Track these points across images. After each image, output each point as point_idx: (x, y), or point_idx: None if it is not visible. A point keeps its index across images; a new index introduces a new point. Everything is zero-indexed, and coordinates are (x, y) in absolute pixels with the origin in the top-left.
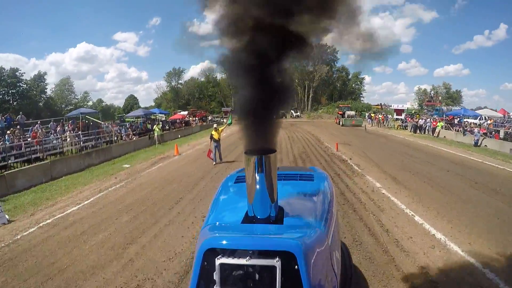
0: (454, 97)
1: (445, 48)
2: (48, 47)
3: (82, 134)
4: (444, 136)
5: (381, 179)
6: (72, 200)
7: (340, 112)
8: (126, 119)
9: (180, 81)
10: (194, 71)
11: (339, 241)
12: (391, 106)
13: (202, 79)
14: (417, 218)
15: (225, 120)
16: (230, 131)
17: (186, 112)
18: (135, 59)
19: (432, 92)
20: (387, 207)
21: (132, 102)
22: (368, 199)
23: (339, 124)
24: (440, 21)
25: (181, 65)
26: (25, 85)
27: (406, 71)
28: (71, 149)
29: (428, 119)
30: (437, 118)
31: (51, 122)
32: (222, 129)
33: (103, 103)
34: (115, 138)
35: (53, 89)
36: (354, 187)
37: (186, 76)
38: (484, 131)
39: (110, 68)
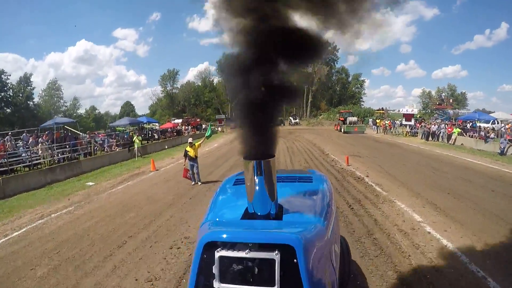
0: (459, 100)
1: (445, 49)
2: (47, 46)
3: (56, 146)
4: (462, 144)
5: (417, 206)
6: (4, 228)
7: (341, 118)
8: (117, 128)
9: (175, 85)
10: (192, 73)
11: (339, 237)
12: (393, 110)
13: (199, 83)
14: (493, 284)
15: (219, 129)
16: (224, 141)
17: (180, 120)
18: (134, 60)
19: (443, 94)
20: (444, 263)
21: (128, 109)
22: (411, 247)
23: (341, 131)
24: (441, 19)
25: (180, 67)
26: (10, 91)
27: (405, 73)
28: (45, 162)
29: (442, 125)
30: (448, 123)
31: (24, 134)
32: (199, 144)
33: (97, 111)
34: (95, 149)
35: (40, 95)
36: (385, 222)
37: (185, 79)
38: (509, 138)
39: (109, 71)
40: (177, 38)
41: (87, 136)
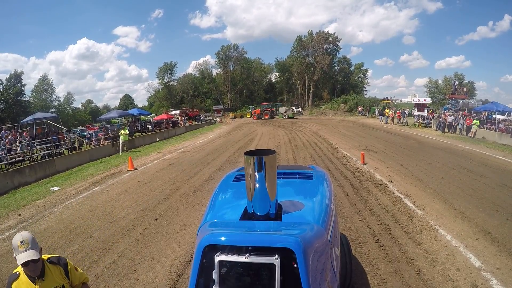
0: (467, 89)
1: (448, 40)
2: (48, 45)
3: (37, 142)
4: (483, 137)
5: (468, 237)
6: None
7: (256, 111)
8: (112, 121)
9: (172, 77)
10: (194, 66)
11: (339, 238)
12: (396, 100)
13: (197, 75)
14: None
15: (218, 120)
16: (220, 132)
17: (178, 111)
18: (136, 55)
19: (456, 83)
20: None
21: (127, 102)
22: None
23: (271, 118)
24: (445, 12)
25: (182, 61)
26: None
27: (408, 63)
28: (32, 158)
29: (460, 116)
30: (467, 114)
31: (2, 131)
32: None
33: (93, 104)
34: (80, 142)
35: (33, 90)
36: (434, 273)
37: (188, 72)
38: None
39: (110, 66)
40: (178, 34)
41: (68, 130)
